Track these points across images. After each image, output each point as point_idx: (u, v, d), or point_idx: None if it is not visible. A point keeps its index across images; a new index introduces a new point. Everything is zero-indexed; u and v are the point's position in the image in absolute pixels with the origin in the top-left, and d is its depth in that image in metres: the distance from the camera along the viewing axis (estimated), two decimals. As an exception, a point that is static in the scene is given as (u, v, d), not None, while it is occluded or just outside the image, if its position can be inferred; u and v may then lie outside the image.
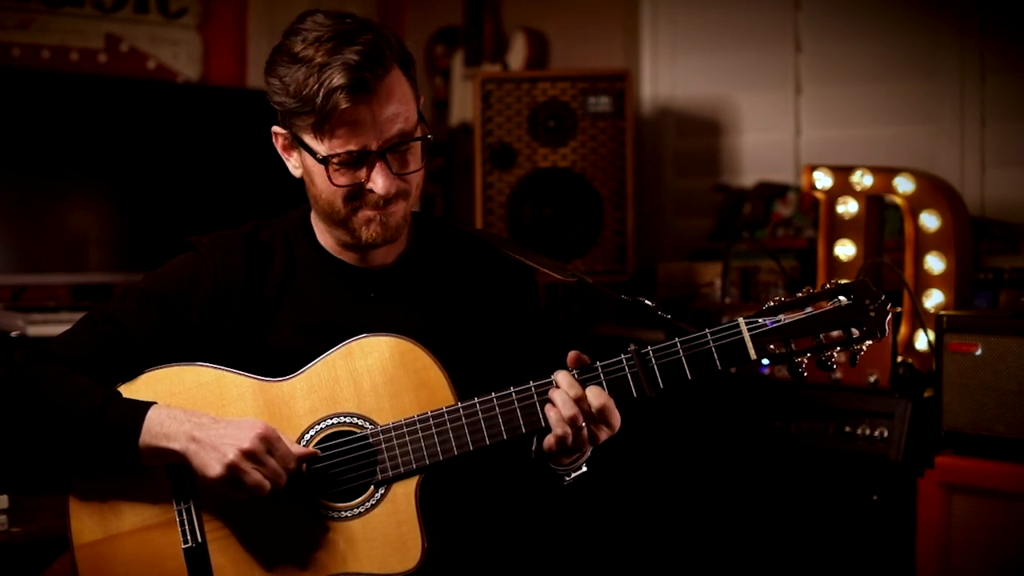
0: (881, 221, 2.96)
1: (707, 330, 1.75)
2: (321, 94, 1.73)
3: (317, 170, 1.81)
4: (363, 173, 1.80)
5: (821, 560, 2.69)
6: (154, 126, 3.43)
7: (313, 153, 1.80)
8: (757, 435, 2.78)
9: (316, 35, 1.76)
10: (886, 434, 2.60)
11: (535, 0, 4.11)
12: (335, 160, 1.78)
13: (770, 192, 3.55)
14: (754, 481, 2.79)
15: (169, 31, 3.95)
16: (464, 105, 4.02)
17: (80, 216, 3.38)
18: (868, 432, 2.62)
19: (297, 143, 1.83)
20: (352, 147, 1.77)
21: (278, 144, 1.90)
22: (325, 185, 1.81)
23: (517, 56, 3.99)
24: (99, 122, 3.35)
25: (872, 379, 2.64)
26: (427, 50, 4.30)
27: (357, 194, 1.82)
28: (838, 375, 2.68)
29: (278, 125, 1.87)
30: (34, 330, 2.96)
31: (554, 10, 4.05)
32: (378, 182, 1.79)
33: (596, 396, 1.74)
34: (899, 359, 2.68)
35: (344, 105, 1.74)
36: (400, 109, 1.79)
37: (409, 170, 1.83)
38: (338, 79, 1.73)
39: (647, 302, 1.96)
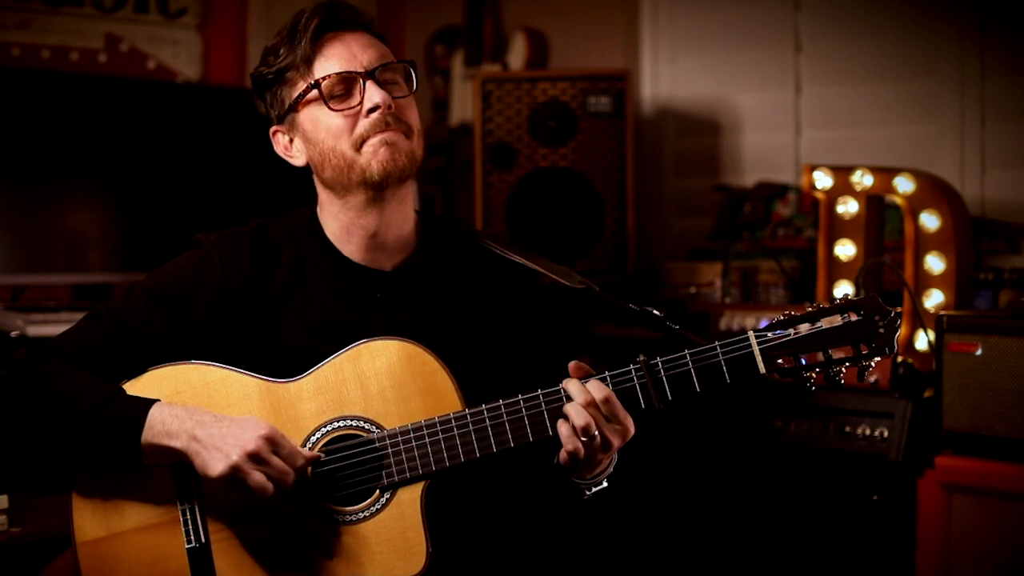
0: (881, 221, 2.96)
1: (716, 342, 1.74)
2: (305, 36, 1.86)
3: (315, 118, 1.87)
4: (356, 98, 1.86)
5: (821, 560, 2.69)
6: (154, 126, 3.43)
7: (305, 96, 1.87)
8: (757, 435, 2.78)
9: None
10: (886, 434, 2.60)
11: (535, 0, 4.11)
12: (326, 83, 1.85)
13: (770, 192, 3.55)
14: (754, 481, 2.79)
15: (169, 31, 3.94)
16: (464, 105, 4.02)
17: (80, 216, 3.38)
18: (868, 432, 2.62)
19: (290, 110, 1.90)
20: (339, 69, 1.85)
21: (278, 143, 1.96)
22: (327, 122, 1.86)
23: (517, 56, 3.99)
24: (99, 122, 3.35)
25: (872, 379, 2.64)
26: (427, 50, 4.29)
27: (358, 123, 1.86)
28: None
29: (273, 125, 1.95)
30: (34, 330, 2.95)
31: (554, 10, 4.05)
32: (373, 97, 1.85)
33: (598, 389, 1.74)
34: (899, 359, 2.68)
35: (327, 33, 1.87)
36: (375, 44, 1.90)
37: (396, 95, 1.88)
38: (316, 19, 1.87)
39: (655, 311, 1.95)
